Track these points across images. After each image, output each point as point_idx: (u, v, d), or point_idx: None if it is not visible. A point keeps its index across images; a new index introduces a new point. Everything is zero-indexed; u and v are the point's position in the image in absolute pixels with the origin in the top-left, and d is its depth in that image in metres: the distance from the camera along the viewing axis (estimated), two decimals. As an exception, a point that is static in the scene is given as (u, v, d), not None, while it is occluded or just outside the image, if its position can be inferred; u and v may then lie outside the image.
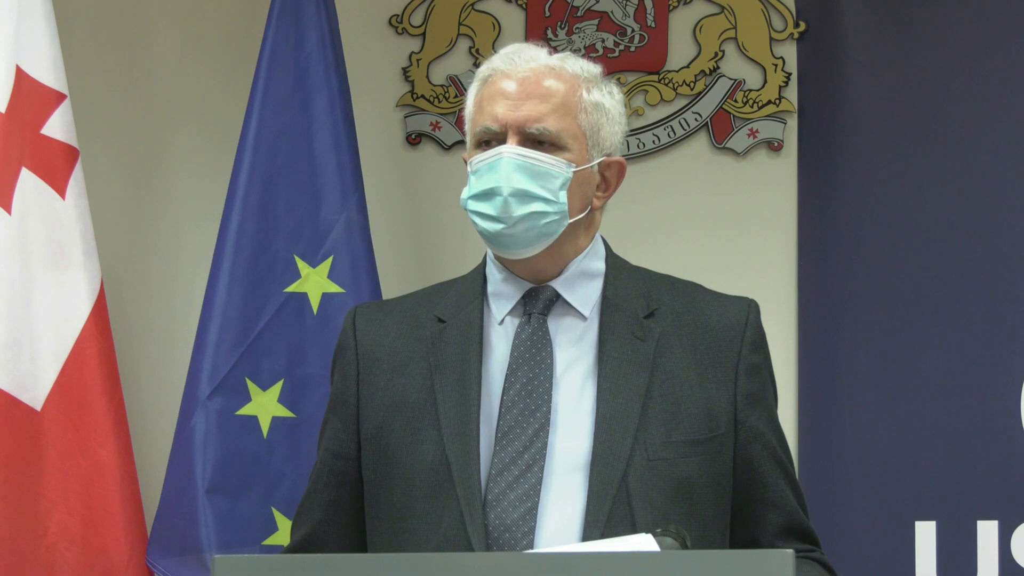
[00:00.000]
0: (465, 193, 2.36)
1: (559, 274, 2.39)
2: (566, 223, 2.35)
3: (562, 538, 2.25)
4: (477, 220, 2.35)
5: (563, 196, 2.34)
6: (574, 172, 2.35)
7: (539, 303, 2.38)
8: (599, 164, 2.39)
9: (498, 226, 2.33)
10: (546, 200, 2.33)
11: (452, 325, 2.39)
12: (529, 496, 2.26)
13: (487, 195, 2.33)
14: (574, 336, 2.37)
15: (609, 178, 2.42)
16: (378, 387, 2.40)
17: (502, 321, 2.39)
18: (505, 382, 2.33)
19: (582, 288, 2.40)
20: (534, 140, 2.34)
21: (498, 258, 2.42)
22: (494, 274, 2.42)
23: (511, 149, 2.33)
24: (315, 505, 2.44)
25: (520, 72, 2.37)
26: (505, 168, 2.32)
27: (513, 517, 2.25)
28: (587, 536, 2.24)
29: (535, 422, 2.30)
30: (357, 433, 2.40)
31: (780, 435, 2.42)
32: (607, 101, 2.41)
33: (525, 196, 2.32)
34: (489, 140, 2.36)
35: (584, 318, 2.38)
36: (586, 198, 2.39)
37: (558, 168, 2.34)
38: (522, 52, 2.40)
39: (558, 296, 2.39)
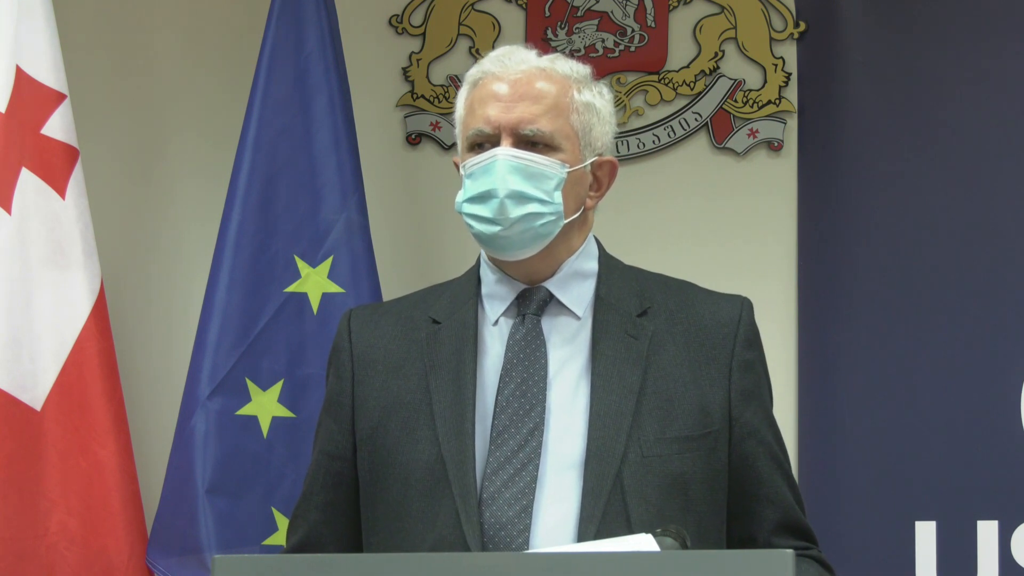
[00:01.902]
0: (460, 197, 2.36)
1: (552, 274, 2.40)
2: (561, 223, 2.36)
3: (557, 535, 2.26)
4: (473, 223, 2.35)
5: (558, 196, 2.34)
6: (568, 172, 2.35)
7: (533, 303, 2.39)
8: (591, 164, 2.40)
9: (494, 228, 2.33)
10: (541, 201, 2.33)
11: (447, 326, 2.40)
12: (524, 494, 2.27)
13: (482, 197, 2.33)
14: (568, 335, 2.38)
15: (601, 178, 2.43)
16: (373, 388, 2.40)
17: (496, 322, 2.40)
18: (500, 382, 2.34)
19: (575, 288, 2.40)
20: (527, 141, 2.34)
21: (491, 259, 2.42)
22: (488, 275, 2.43)
23: (505, 151, 2.33)
24: (311, 507, 2.44)
25: (511, 74, 2.37)
26: (500, 170, 2.32)
27: (508, 515, 2.26)
28: (582, 533, 2.25)
29: (530, 421, 2.31)
30: (352, 434, 2.41)
31: (776, 432, 2.43)
32: (598, 101, 2.41)
33: (521, 197, 2.32)
34: (482, 143, 2.36)
35: (578, 317, 2.39)
36: (579, 198, 2.39)
37: (552, 169, 2.34)
38: (512, 55, 2.40)
39: (551, 296, 2.39)
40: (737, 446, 2.36)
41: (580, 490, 2.27)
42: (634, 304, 2.40)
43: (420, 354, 2.39)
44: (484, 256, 2.44)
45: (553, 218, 2.34)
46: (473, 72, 2.42)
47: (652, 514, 2.27)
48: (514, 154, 2.33)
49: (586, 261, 2.43)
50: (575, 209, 2.38)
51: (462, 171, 2.38)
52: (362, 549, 2.40)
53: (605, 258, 2.46)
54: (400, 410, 2.37)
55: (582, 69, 2.43)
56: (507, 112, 2.35)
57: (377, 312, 2.51)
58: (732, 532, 2.39)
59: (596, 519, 2.25)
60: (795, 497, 2.42)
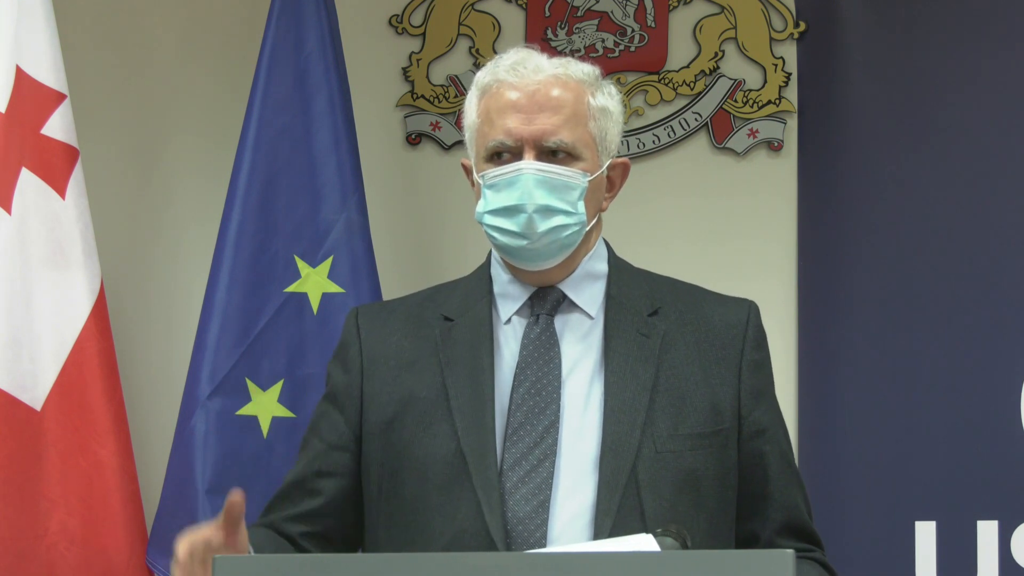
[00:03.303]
0: (481, 207, 2.37)
1: (566, 276, 2.41)
2: (584, 232, 2.38)
3: (574, 529, 2.27)
4: (497, 235, 2.36)
5: (581, 206, 2.37)
6: (589, 181, 2.37)
7: (547, 304, 2.41)
8: (607, 167, 2.41)
9: (522, 242, 2.35)
10: (567, 212, 2.35)
11: (461, 323, 2.41)
12: (541, 490, 2.29)
13: (509, 211, 2.35)
14: (581, 334, 2.40)
15: (615, 179, 2.46)
16: (385, 383, 2.41)
17: (508, 320, 2.41)
18: (514, 380, 2.36)
19: (588, 289, 2.42)
20: (550, 152, 2.35)
21: (506, 262, 2.43)
22: (500, 275, 2.44)
23: (531, 165, 2.34)
24: (305, 491, 2.42)
25: (527, 84, 2.37)
26: (527, 184, 2.33)
27: (526, 510, 2.28)
28: (598, 527, 2.26)
29: (545, 419, 2.32)
30: (359, 427, 2.41)
31: (786, 433, 2.46)
32: (610, 104, 2.43)
33: (548, 211, 2.34)
34: (502, 153, 2.37)
35: (591, 317, 2.41)
36: (598, 203, 2.42)
37: (576, 179, 2.36)
38: (526, 62, 2.40)
39: (565, 297, 2.40)
40: (746, 444, 2.39)
41: (596, 484, 2.29)
42: (645, 304, 2.42)
43: (434, 350, 2.40)
44: (495, 255, 2.46)
45: (578, 228, 2.37)
46: (485, 78, 2.42)
47: (665, 509, 2.29)
48: (540, 168, 2.34)
49: (598, 262, 2.45)
50: (594, 215, 2.41)
51: (481, 180, 2.38)
52: (354, 540, 2.41)
53: (614, 259, 2.48)
54: (416, 404, 2.37)
55: (593, 71, 2.44)
56: (528, 124, 2.35)
57: (385, 310, 2.53)
58: (738, 531, 2.41)
59: (612, 513, 2.27)
60: (803, 499, 2.43)
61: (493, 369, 2.36)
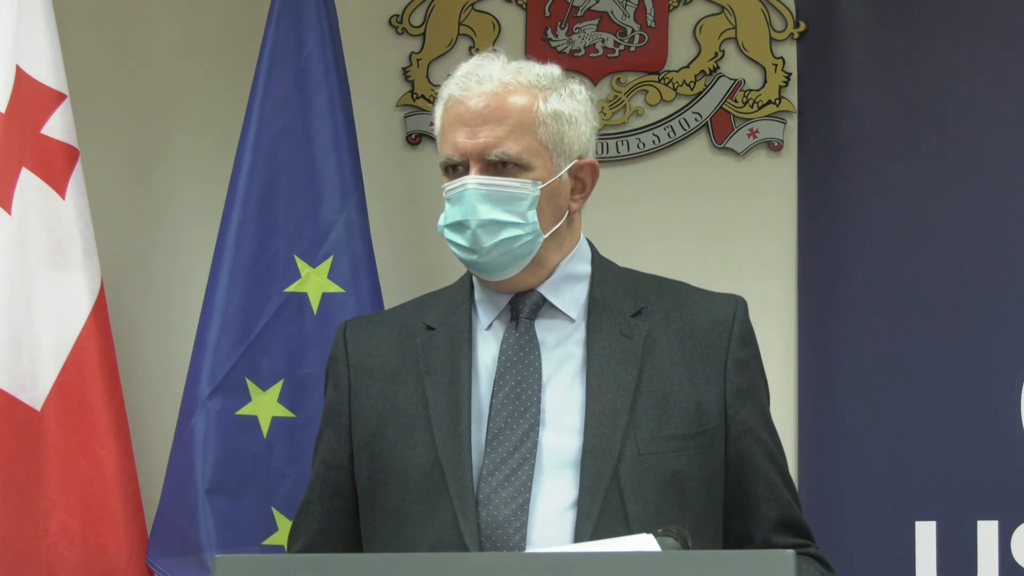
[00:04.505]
0: (441, 220, 2.39)
1: (545, 279, 2.40)
2: (540, 240, 2.37)
3: (554, 532, 2.27)
4: (453, 249, 2.39)
5: (532, 216, 2.35)
6: (541, 189, 2.36)
7: (526, 308, 2.40)
8: (570, 169, 2.40)
9: (472, 256, 2.37)
10: (516, 224, 2.35)
11: (441, 332, 2.42)
12: (520, 493, 2.28)
13: (458, 227, 2.37)
14: (561, 338, 2.39)
15: (584, 179, 2.43)
16: (370, 396, 2.41)
17: (489, 326, 2.41)
18: (494, 385, 2.35)
19: (568, 291, 2.41)
20: (498, 164, 2.35)
21: None
22: (479, 281, 2.44)
23: (474, 179, 2.35)
24: (311, 516, 2.46)
25: (473, 96, 2.36)
26: (470, 199, 2.35)
27: (504, 514, 2.27)
28: (579, 530, 2.26)
29: (525, 423, 2.32)
30: (350, 443, 2.43)
31: (772, 430, 2.44)
32: (567, 106, 2.39)
33: (493, 225, 2.34)
34: (455, 166, 2.38)
35: (572, 320, 2.40)
36: (559, 208, 2.39)
37: (523, 190, 2.35)
38: (477, 71, 2.39)
39: (544, 300, 2.40)
40: (733, 444, 2.37)
41: (577, 488, 2.28)
42: (628, 304, 2.41)
43: (415, 360, 2.40)
44: None
45: (530, 238, 2.36)
46: (443, 91, 2.42)
47: (649, 512, 2.28)
48: (482, 182, 2.34)
49: (579, 263, 2.44)
50: (555, 221, 2.39)
51: (443, 192, 2.39)
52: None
53: (598, 260, 2.47)
54: (397, 416, 2.38)
55: (550, 73, 2.41)
56: (472, 137, 2.35)
57: (372, 322, 2.53)
58: (730, 530, 2.40)
59: (593, 516, 2.26)
60: (792, 495, 2.43)
61: (471, 376, 2.36)
